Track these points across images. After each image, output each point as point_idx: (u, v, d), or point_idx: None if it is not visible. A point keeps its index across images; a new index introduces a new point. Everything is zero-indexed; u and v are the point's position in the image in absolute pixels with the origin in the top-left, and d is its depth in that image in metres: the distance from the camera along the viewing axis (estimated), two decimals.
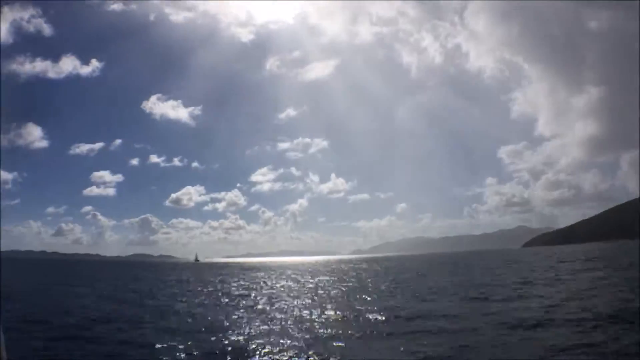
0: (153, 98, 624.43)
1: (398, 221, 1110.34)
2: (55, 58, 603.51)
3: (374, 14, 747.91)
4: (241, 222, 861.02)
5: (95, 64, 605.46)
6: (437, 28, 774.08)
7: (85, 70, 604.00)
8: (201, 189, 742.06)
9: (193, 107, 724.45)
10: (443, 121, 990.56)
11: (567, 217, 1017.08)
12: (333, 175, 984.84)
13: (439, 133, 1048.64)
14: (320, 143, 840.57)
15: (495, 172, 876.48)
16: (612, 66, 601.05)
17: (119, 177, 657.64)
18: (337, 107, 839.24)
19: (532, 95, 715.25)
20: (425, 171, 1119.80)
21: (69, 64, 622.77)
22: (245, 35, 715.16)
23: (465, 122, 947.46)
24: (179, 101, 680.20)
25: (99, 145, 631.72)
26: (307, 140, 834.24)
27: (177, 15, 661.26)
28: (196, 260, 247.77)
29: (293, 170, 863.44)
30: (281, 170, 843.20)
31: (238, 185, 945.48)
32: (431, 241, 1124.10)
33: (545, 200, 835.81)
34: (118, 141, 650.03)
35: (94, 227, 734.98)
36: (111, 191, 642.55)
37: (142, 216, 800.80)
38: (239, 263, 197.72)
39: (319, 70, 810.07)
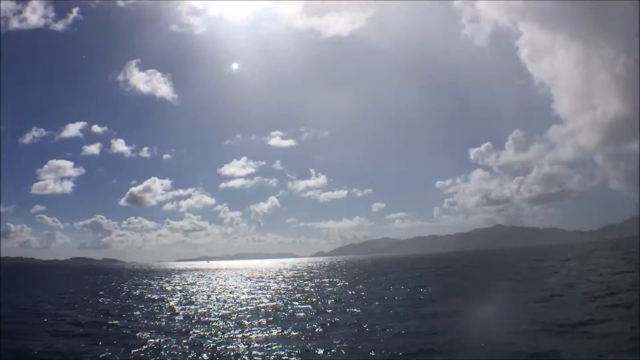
0: (131, 66, 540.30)
1: (368, 222, 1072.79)
2: None
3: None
4: (203, 224, 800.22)
5: (75, 15, 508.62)
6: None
7: (59, 25, 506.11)
8: (167, 183, 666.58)
9: (180, 84, 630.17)
10: (437, 106, 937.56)
11: (536, 217, 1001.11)
12: (312, 171, 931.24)
13: (432, 119, 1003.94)
14: (319, 134, 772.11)
15: (485, 165, 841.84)
16: None
17: (80, 171, 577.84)
18: (339, 95, 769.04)
19: (546, 67, 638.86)
20: (411, 164, 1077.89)
21: (39, 11, 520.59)
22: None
23: (461, 105, 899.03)
24: (167, 75, 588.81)
25: (58, 131, 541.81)
26: (302, 129, 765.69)
27: None
28: None
29: (277, 164, 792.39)
30: (262, 163, 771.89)
31: (203, 182, 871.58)
32: (398, 242, 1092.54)
33: (525, 198, 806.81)
34: (80, 124, 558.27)
35: (44, 228, 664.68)
36: (68, 187, 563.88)
37: (94, 217, 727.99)
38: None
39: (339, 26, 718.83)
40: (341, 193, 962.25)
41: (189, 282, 63.10)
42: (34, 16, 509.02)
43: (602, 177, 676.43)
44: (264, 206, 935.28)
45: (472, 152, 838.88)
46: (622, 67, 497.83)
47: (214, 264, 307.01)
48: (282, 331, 19.73)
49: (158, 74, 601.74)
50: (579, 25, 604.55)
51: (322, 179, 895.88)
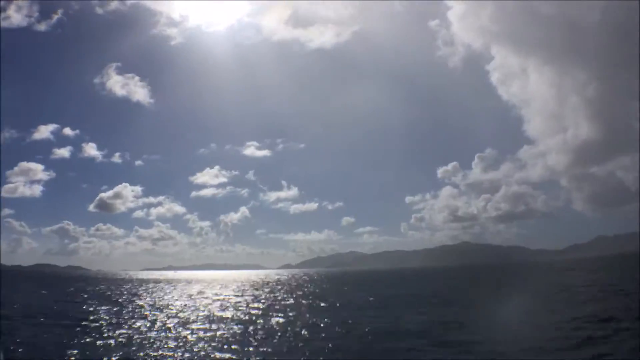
0: (110, 69, 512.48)
1: (337, 235, 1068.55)
2: None
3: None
4: (172, 232, 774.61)
5: (59, 16, 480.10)
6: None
7: (42, 25, 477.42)
8: (138, 189, 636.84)
9: (159, 89, 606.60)
10: (412, 123, 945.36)
11: (500, 235, 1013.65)
12: (284, 183, 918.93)
13: (407, 136, 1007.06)
14: (295, 146, 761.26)
15: (453, 183, 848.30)
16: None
17: (50, 174, 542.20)
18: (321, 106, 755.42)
19: (519, 89, 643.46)
20: (383, 179, 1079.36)
21: (24, 11, 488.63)
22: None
23: (435, 124, 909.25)
24: (146, 80, 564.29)
25: (29, 133, 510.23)
26: (279, 140, 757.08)
27: None
28: None
29: (251, 174, 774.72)
30: (235, 173, 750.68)
31: (174, 190, 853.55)
32: (365, 256, 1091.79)
33: (492, 216, 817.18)
34: (52, 126, 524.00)
35: (12, 233, 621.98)
36: (37, 190, 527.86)
37: (61, 223, 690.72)
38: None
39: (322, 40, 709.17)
40: (312, 205, 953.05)
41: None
42: (18, 15, 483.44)
43: (566, 198, 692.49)
44: (234, 216, 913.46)
45: (440, 171, 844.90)
46: (594, 92, 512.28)
47: (180, 274, 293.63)
48: None
49: (137, 78, 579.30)
50: (552, 50, 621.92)
51: (293, 191, 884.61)
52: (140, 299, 52.31)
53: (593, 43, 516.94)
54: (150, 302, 47.53)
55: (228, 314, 35.67)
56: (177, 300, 51.57)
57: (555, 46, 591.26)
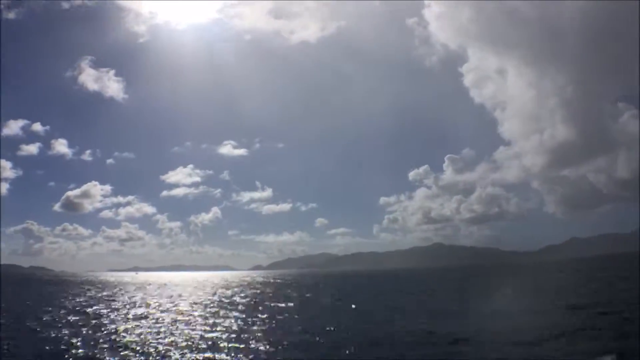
0: (83, 63, 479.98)
1: (309, 237, 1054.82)
2: None
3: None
4: (140, 233, 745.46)
5: (30, 4, 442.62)
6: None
7: (11, 14, 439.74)
8: (108, 188, 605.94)
9: (134, 85, 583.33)
10: (390, 123, 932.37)
11: (472, 237, 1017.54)
12: (258, 183, 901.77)
13: (385, 137, 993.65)
14: (273, 145, 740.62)
15: (426, 184, 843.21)
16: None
17: (17, 172, 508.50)
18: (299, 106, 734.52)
19: (495, 89, 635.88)
20: (358, 180, 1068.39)
21: None
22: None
23: (413, 124, 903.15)
24: (122, 75, 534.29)
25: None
26: (256, 140, 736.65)
27: None
28: None
29: (225, 174, 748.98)
30: (210, 172, 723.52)
31: (145, 190, 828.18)
32: (337, 258, 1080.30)
33: (465, 218, 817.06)
34: (22, 122, 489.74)
35: None
36: (4, 188, 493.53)
37: (25, 223, 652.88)
38: None
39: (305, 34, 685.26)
40: (285, 206, 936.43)
41: None
42: None
43: (538, 200, 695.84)
44: (205, 217, 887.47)
45: (411, 174, 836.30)
46: (572, 94, 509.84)
47: (141, 275, 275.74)
48: None
49: (112, 72, 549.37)
50: (530, 52, 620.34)
51: (267, 192, 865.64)
52: None
53: (571, 45, 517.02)
54: None
55: None
56: None
57: (534, 48, 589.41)
